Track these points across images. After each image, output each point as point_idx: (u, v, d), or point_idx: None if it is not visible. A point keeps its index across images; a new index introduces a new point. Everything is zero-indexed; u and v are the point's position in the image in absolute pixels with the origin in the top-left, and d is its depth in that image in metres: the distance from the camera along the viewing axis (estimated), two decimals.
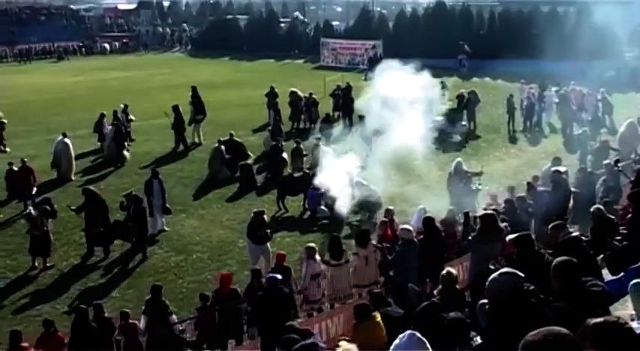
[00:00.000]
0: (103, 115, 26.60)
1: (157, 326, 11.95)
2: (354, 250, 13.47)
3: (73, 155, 23.65)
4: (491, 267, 8.74)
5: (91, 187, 18.72)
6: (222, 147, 23.06)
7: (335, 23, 61.49)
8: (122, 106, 28.33)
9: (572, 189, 15.80)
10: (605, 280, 7.41)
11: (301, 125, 30.05)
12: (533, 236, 10.79)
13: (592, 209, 11.44)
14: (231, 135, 24.00)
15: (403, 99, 16.71)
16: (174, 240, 18.12)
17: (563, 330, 3.14)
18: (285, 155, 22.53)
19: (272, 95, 30.40)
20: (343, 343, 6.43)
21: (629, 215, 10.90)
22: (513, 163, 24.26)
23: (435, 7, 51.09)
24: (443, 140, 24.83)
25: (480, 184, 18.16)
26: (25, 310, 14.48)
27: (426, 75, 17.60)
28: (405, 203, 18.34)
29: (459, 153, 23.35)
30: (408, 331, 4.41)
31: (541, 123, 29.32)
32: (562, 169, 16.30)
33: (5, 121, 28.24)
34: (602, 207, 11.66)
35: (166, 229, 18.61)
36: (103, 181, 23.00)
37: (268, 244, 15.65)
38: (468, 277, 12.05)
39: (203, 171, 23.55)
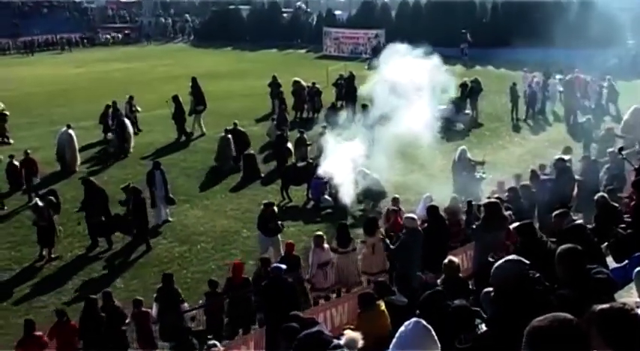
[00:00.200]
0: (108, 107, 26.68)
1: (168, 314, 12.02)
2: (362, 238, 13.50)
3: (77, 147, 23.68)
4: (491, 259, 8.72)
5: (90, 178, 18.73)
6: (230, 136, 23.08)
7: (337, 12, 61.22)
8: (127, 97, 28.34)
9: (577, 177, 15.79)
10: (610, 268, 7.40)
11: (304, 115, 30.06)
12: (537, 224, 10.82)
13: (596, 197, 11.43)
14: (235, 124, 24.01)
15: (408, 85, 16.50)
16: (178, 230, 18.15)
17: (569, 316, 3.15)
18: (289, 145, 22.54)
19: (275, 85, 30.37)
20: (348, 332, 6.44)
21: (633, 203, 10.89)
22: (517, 151, 24.21)
23: None
24: (447, 129, 24.77)
25: (483, 173, 18.14)
26: (31, 302, 14.54)
27: (433, 60, 17.06)
28: (409, 192, 18.33)
29: (462, 141, 23.29)
30: (414, 319, 4.41)
31: (545, 111, 29.26)
32: (566, 157, 16.28)
33: (7, 112, 28.26)
34: (606, 195, 11.63)
35: (170, 219, 18.63)
36: (106, 172, 23.05)
37: (279, 235, 15.60)
38: (472, 265, 12.06)
39: (207, 161, 23.57)
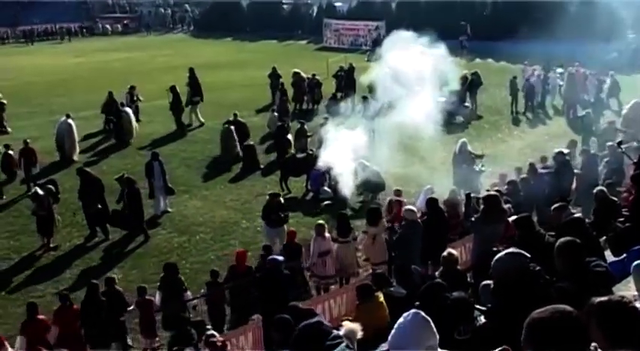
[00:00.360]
0: (111, 95, 26.59)
1: (171, 302, 12.05)
2: (363, 229, 13.53)
3: (76, 137, 23.64)
4: (495, 249, 8.73)
5: (86, 168, 18.71)
6: (232, 127, 23.06)
7: (338, 4, 61.01)
8: (128, 87, 28.29)
9: (576, 170, 15.80)
10: (608, 262, 7.42)
11: (304, 106, 30.02)
12: (535, 218, 10.83)
13: (595, 191, 11.46)
14: (235, 115, 23.98)
15: (410, 76, 16.41)
16: (177, 221, 18.15)
17: (569, 308, 3.17)
18: (290, 136, 22.49)
19: (274, 76, 30.33)
20: (347, 323, 6.45)
21: (632, 197, 10.90)
22: (517, 144, 24.18)
23: None
24: (448, 122, 24.70)
25: (482, 166, 18.12)
26: (29, 291, 14.54)
27: (436, 50, 17.00)
28: (409, 184, 18.31)
29: (462, 134, 23.24)
30: (413, 310, 4.40)
31: (545, 105, 29.23)
32: (566, 150, 16.29)
33: (5, 101, 28.19)
34: (605, 189, 11.66)
35: (170, 210, 18.63)
36: (105, 161, 23.03)
37: (285, 226, 15.48)
38: (471, 258, 12.08)
39: (206, 152, 23.57)
